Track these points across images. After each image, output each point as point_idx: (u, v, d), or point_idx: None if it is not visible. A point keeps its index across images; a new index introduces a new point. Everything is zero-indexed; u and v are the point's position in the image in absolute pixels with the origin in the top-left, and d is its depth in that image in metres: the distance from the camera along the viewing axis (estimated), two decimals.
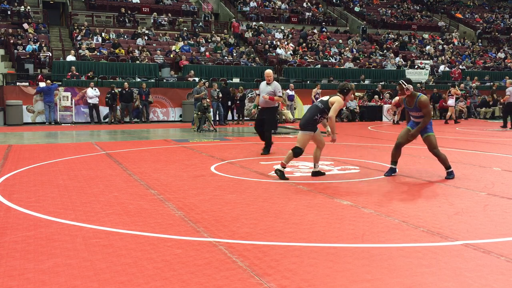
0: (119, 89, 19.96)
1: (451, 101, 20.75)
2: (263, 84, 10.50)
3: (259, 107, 10.60)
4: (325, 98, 7.44)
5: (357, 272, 3.52)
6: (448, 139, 13.62)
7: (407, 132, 7.49)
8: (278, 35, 30.33)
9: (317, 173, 7.61)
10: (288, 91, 21.81)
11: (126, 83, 20.11)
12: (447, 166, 7.37)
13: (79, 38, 24.37)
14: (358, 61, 28.71)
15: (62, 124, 19.33)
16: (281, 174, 7.25)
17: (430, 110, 7.42)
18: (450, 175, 7.34)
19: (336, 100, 7.22)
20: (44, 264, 3.69)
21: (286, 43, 28.95)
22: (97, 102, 19.86)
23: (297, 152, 7.28)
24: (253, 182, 7.07)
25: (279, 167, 7.34)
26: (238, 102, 20.48)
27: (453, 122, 20.69)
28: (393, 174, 7.57)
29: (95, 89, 19.71)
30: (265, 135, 10.38)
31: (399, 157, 7.66)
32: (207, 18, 30.89)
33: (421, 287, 3.28)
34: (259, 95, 10.54)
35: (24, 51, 22.14)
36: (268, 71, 10.52)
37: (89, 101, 19.72)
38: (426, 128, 7.34)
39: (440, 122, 22.22)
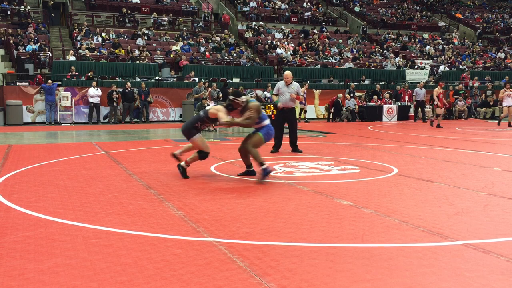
0: (121, 89, 19.98)
1: (506, 102, 18.96)
2: (282, 84, 10.41)
3: (283, 107, 10.42)
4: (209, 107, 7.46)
5: (357, 272, 3.52)
6: (448, 139, 13.63)
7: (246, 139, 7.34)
8: (278, 35, 30.34)
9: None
10: None
11: (128, 83, 20.12)
12: (259, 163, 7.03)
13: (79, 38, 24.38)
14: (358, 61, 28.71)
15: (62, 124, 19.34)
16: (182, 171, 7.32)
17: (255, 116, 7.08)
18: (264, 172, 6.96)
19: (217, 108, 7.16)
20: (44, 264, 3.69)
21: (286, 43, 28.95)
22: (98, 102, 19.88)
23: (203, 156, 7.35)
24: (253, 182, 7.07)
25: (183, 164, 7.34)
26: None
27: (507, 124, 18.73)
28: (251, 176, 7.38)
29: (97, 89, 19.72)
30: (295, 136, 10.46)
31: (249, 160, 7.43)
32: (207, 18, 30.91)
33: (421, 287, 3.28)
34: (276, 94, 10.50)
35: (24, 51, 22.15)
36: (288, 72, 10.54)
37: (90, 100, 19.74)
38: (261, 128, 7.18)
39: (452, 122, 22.21)
